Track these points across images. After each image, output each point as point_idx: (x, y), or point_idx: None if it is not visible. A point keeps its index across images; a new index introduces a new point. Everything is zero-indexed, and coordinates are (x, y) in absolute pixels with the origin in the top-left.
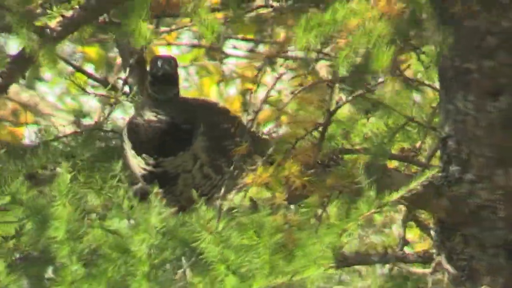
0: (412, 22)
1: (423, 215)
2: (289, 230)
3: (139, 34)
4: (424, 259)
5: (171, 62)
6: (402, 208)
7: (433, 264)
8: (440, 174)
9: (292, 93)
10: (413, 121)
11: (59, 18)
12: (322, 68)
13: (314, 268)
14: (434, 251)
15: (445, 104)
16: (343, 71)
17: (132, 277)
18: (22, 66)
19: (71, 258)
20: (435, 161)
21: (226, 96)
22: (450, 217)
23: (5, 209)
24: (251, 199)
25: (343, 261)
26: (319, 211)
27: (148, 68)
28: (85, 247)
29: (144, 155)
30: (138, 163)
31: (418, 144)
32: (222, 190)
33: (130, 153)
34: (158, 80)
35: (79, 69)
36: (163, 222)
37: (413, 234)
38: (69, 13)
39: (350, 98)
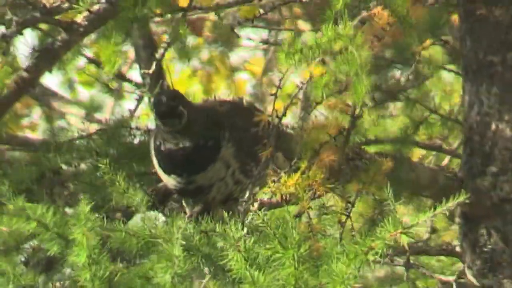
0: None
1: None
2: (313, 238)
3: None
4: (448, 251)
5: (169, 95)
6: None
7: (457, 272)
8: (463, 167)
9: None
10: (436, 113)
11: (86, 13)
12: None
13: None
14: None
15: (469, 96)
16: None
17: None
18: (49, 61)
19: (94, 282)
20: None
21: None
22: (473, 209)
23: (33, 234)
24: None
25: None
26: (343, 217)
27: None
28: (107, 272)
29: (172, 175)
30: (167, 180)
31: (445, 133)
32: (247, 193)
33: (158, 168)
34: (160, 116)
35: (92, 61)
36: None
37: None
38: (95, 8)
39: (373, 104)
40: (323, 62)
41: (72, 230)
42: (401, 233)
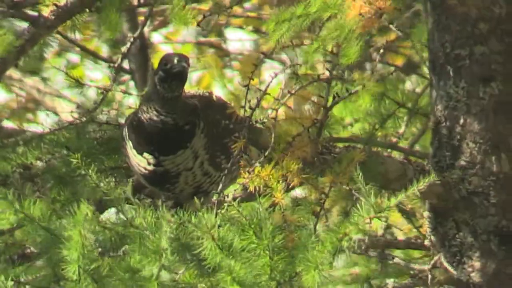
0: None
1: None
2: (288, 229)
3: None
4: (417, 245)
5: (187, 60)
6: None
7: (432, 261)
8: (431, 160)
9: (289, 92)
10: (404, 107)
11: (52, 7)
12: (319, 64)
13: (314, 273)
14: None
15: (436, 90)
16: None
17: None
18: (14, 55)
19: (81, 276)
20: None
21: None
22: (442, 202)
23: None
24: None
25: None
26: (317, 208)
27: (160, 62)
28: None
29: (145, 154)
30: (138, 162)
31: (401, 130)
32: (220, 186)
33: (131, 152)
34: (172, 77)
35: (83, 49)
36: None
37: (394, 218)
38: (62, 2)
39: (346, 94)
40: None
41: (67, 228)
42: (374, 217)
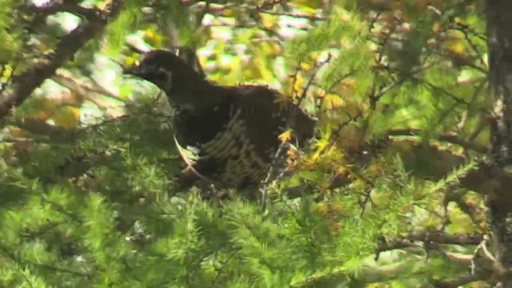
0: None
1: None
2: (332, 217)
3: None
4: (476, 240)
5: (150, 59)
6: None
7: (475, 250)
8: (490, 155)
9: (334, 81)
10: (463, 102)
11: (108, 0)
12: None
13: (355, 260)
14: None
15: (495, 85)
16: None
17: (170, 279)
18: (71, 48)
19: (109, 262)
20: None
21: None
22: (501, 197)
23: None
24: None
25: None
26: (363, 197)
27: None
28: (121, 253)
29: (188, 147)
30: (186, 155)
31: (460, 125)
32: (268, 176)
33: (178, 147)
34: (144, 78)
35: (134, 49)
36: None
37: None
38: None
39: (393, 84)
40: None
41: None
42: (413, 204)
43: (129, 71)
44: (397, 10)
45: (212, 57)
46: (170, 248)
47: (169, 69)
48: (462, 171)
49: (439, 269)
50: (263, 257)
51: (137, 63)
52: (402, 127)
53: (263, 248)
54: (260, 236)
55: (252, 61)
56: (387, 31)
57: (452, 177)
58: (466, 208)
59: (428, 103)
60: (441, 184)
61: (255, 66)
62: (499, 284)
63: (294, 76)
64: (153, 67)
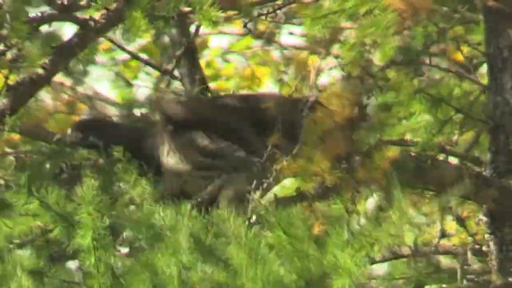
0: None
1: (460, 208)
2: (316, 222)
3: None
4: (475, 251)
5: (77, 128)
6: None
7: (462, 259)
8: (489, 165)
9: (319, 89)
10: (461, 112)
11: (103, 10)
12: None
13: (343, 279)
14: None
15: (494, 95)
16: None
17: None
18: (65, 58)
19: (99, 267)
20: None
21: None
22: (499, 207)
23: (35, 214)
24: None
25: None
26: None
27: None
28: (111, 257)
29: None
30: None
31: (455, 137)
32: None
33: None
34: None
35: (134, 56)
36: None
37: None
38: (113, 6)
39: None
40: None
41: (77, 212)
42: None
43: (62, 139)
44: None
45: (208, 64)
46: (163, 263)
47: (100, 137)
48: (458, 191)
49: (427, 276)
50: (254, 275)
51: (68, 131)
52: (398, 137)
53: (256, 268)
54: (250, 251)
55: (250, 68)
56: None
57: (450, 196)
58: (461, 221)
59: (426, 113)
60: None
61: (253, 74)
62: None
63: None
64: (82, 136)
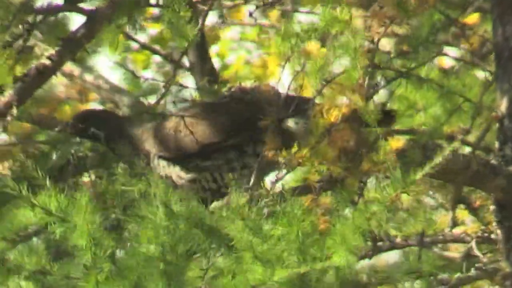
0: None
1: (472, 196)
2: (318, 213)
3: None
4: (484, 239)
5: (79, 120)
6: (451, 189)
7: (465, 249)
8: (497, 154)
9: (325, 80)
10: (470, 101)
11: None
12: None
13: (343, 253)
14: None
15: (501, 83)
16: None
17: (149, 275)
18: (72, 49)
19: (95, 261)
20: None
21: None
22: (507, 196)
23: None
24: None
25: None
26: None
27: None
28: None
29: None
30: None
31: (466, 125)
32: (253, 177)
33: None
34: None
35: (143, 46)
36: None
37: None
38: None
39: (384, 83)
40: (322, 42)
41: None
42: (401, 193)
43: (63, 130)
44: (390, 9)
45: (219, 54)
46: (142, 242)
47: (101, 129)
48: (441, 158)
49: (436, 268)
50: (256, 253)
51: (70, 122)
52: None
53: (257, 242)
54: (253, 230)
55: (261, 58)
56: (379, 30)
57: (437, 161)
58: (473, 210)
59: (434, 102)
60: (426, 169)
61: (264, 64)
62: (507, 283)
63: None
64: (84, 127)
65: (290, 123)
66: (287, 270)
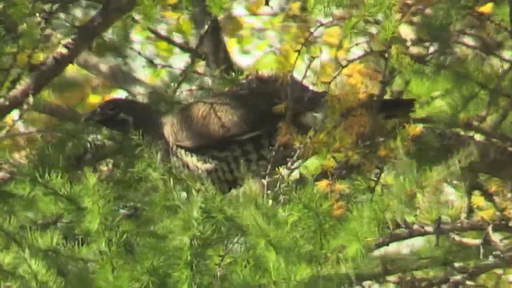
0: None
1: (487, 183)
2: (334, 198)
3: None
4: (501, 227)
5: (107, 106)
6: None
7: (483, 235)
8: None
9: (340, 65)
10: (486, 88)
11: None
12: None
13: (356, 244)
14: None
15: None
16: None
17: (174, 265)
18: (88, 38)
19: (110, 246)
20: None
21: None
22: None
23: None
24: (301, 174)
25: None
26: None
27: None
28: (123, 236)
29: None
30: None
31: (483, 112)
32: (269, 165)
33: None
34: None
35: (160, 36)
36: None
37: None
38: None
39: (404, 67)
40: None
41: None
42: (416, 189)
43: (90, 118)
44: None
45: (240, 41)
46: (175, 232)
47: (129, 114)
48: (462, 155)
49: (453, 255)
50: (269, 238)
51: (98, 109)
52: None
53: (269, 228)
54: (267, 216)
55: (283, 46)
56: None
57: (453, 162)
58: (489, 196)
59: (451, 89)
60: (443, 172)
61: (286, 53)
62: None
63: (299, 51)
64: (113, 113)
65: (309, 117)
66: (308, 270)
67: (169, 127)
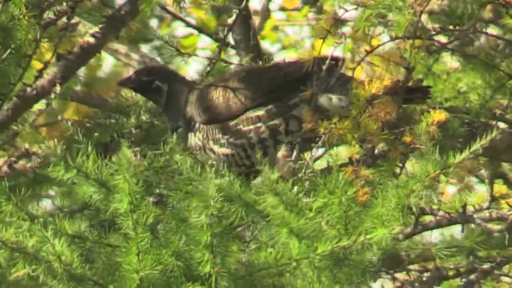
0: None
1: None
2: (359, 184)
3: None
4: None
5: (143, 73)
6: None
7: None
8: None
9: (366, 51)
10: None
11: None
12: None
13: (381, 230)
14: None
15: None
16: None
17: (194, 246)
18: (116, 27)
19: (136, 229)
20: None
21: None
22: None
23: (73, 182)
24: (328, 163)
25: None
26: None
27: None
28: (150, 218)
29: None
30: None
31: (506, 102)
32: (295, 151)
33: None
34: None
35: (189, 25)
36: (222, 189)
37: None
38: None
39: (429, 55)
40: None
41: (114, 177)
42: (440, 173)
43: (124, 83)
44: None
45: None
46: (192, 212)
47: (165, 82)
48: (485, 141)
49: (477, 243)
50: (291, 226)
51: (133, 75)
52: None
53: (291, 217)
54: (289, 205)
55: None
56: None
57: (476, 147)
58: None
59: (480, 79)
60: (465, 154)
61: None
62: None
63: (324, 38)
64: (148, 80)
65: (324, 98)
66: (328, 244)
67: (193, 104)
